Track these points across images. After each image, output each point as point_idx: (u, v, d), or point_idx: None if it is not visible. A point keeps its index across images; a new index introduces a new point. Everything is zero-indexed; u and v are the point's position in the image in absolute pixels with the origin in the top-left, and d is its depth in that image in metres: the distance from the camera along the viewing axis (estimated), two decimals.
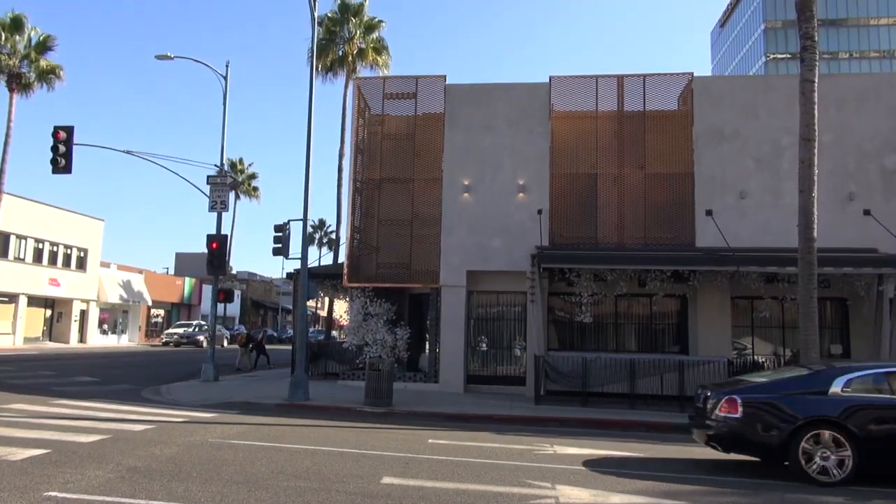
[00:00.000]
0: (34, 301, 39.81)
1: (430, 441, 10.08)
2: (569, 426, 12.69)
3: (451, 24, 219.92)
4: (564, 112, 18.00)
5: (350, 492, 6.53)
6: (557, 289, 17.57)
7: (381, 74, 30.62)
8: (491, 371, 18.13)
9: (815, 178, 12.80)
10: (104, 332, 46.25)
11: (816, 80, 12.91)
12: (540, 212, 17.23)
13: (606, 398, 15.43)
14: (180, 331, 46.32)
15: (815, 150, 12.81)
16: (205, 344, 42.16)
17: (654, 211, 17.27)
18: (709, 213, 16.74)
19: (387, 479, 7.14)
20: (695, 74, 17.51)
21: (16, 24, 34.54)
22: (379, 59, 32.66)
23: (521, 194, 17.75)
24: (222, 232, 20.17)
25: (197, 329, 46.23)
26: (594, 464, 8.64)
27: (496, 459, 8.69)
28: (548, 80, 17.88)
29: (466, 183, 18.02)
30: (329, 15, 32.53)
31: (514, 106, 18.16)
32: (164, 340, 45.93)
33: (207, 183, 19.88)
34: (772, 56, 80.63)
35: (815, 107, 12.78)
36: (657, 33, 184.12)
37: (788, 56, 76.61)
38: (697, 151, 17.22)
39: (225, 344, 44.29)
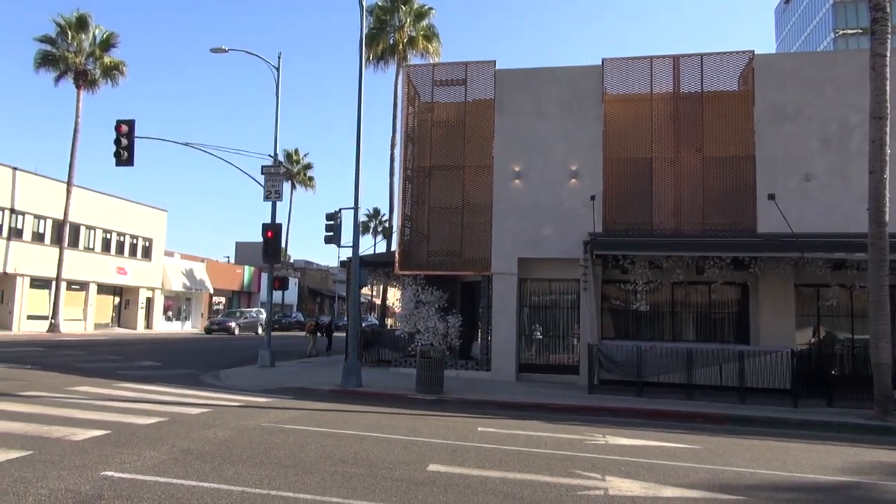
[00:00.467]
0: (103, 289, 41.56)
1: (479, 429, 10.02)
2: (622, 416, 12.42)
3: (501, 8, 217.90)
4: (618, 95, 17.56)
5: (396, 478, 6.52)
6: (611, 276, 17.22)
7: (431, 61, 30.58)
8: (544, 359, 17.94)
9: (887, 158, 12.14)
10: (169, 319, 47.99)
11: (888, 54, 12.22)
12: (593, 198, 16.89)
13: (662, 388, 15.05)
14: (220, 319, 46.84)
15: (887, 129, 12.15)
16: (237, 331, 42.81)
17: (712, 195, 16.69)
18: (771, 196, 16.04)
19: (433, 467, 7.11)
20: (756, 52, 16.78)
21: (81, 23, 35.93)
22: (429, 46, 32.65)
23: (573, 180, 17.43)
24: (278, 221, 20.54)
25: (229, 316, 46.77)
26: (646, 455, 8.42)
27: (545, 449, 8.56)
28: (600, 63, 17.46)
29: (517, 169, 17.80)
30: (379, 4, 32.70)
31: (566, 90, 17.80)
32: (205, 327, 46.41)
33: (262, 173, 20.24)
34: (841, 32, 76.81)
35: (888, 82, 12.11)
36: (717, 13, 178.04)
37: (859, 31, 72.79)
38: (759, 132, 16.52)
39: (259, 331, 44.02)
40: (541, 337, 18.03)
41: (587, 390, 15.14)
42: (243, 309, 51.04)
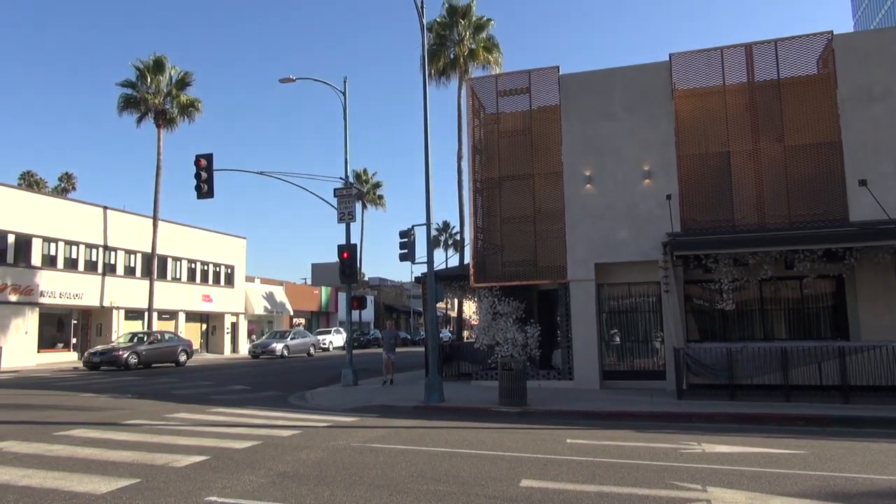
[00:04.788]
0: (191, 316, 43.44)
1: (568, 441, 9.83)
2: (716, 422, 11.92)
3: (560, 12, 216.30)
4: (688, 90, 17.03)
5: (489, 495, 6.46)
6: (693, 276, 16.64)
7: (493, 72, 30.58)
8: (627, 365, 17.48)
9: None
10: (253, 342, 49.49)
11: None
12: (669, 197, 16.38)
13: (756, 391, 14.37)
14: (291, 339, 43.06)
15: None
16: (285, 353, 38.86)
17: (797, 186, 15.90)
18: (862, 182, 15.11)
19: (526, 482, 7.00)
20: (835, 32, 15.96)
21: (158, 66, 37.87)
22: (490, 57, 32.70)
23: (646, 181, 16.98)
24: (352, 241, 20.92)
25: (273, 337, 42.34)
26: (748, 463, 8.03)
27: (639, 459, 8.30)
28: (668, 59, 16.99)
29: (588, 174, 17.50)
30: (438, 20, 33.00)
31: (633, 89, 17.41)
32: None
33: (334, 196, 20.68)
34: None
35: None
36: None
37: None
38: (844, 117, 15.65)
39: (312, 351, 42.20)
40: (619, 342, 17.61)
41: (675, 396, 14.63)
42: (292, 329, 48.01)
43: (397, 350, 20.67)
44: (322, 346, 48.28)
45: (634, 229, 16.86)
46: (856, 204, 15.25)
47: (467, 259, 21.38)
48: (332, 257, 21.10)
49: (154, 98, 37.36)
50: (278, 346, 38.76)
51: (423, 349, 21.64)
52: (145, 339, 30.88)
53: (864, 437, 10.10)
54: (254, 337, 49.80)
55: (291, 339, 40.51)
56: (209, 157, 20.15)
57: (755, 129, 16.40)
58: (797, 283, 16.11)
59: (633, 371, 17.29)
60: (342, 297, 54.16)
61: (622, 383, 16.93)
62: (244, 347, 47.49)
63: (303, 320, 58.16)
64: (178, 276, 42.25)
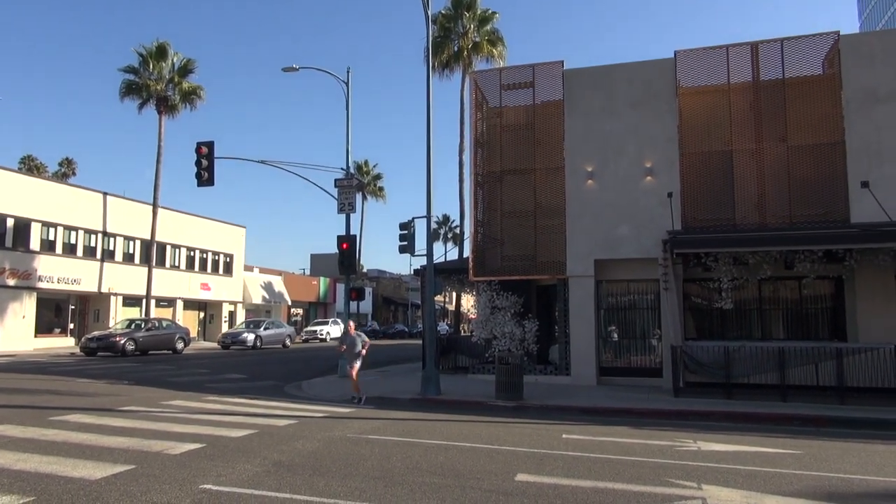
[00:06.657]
0: (189, 304, 43.41)
1: (563, 436, 9.83)
2: (712, 420, 11.95)
3: (564, 6, 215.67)
4: (692, 88, 16.97)
5: (485, 489, 6.45)
6: (693, 275, 16.63)
7: (497, 66, 30.46)
8: (624, 362, 17.49)
9: None
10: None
11: None
12: (670, 195, 16.34)
13: (753, 390, 14.39)
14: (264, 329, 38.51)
15: None
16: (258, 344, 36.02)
17: (799, 186, 15.86)
18: (864, 184, 15.08)
19: (521, 476, 7.00)
20: (842, 33, 15.89)
21: (161, 52, 37.67)
22: (494, 50, 32.57)
23: (648, 178, 16.95)
24: (351, 233, 20.88)
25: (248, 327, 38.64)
26: (743, 461, 8.03)
27: (635, 456, 8.29)
28: (672, 56, 16.93)
29: (590, 170, 17.46)
30: (443, 12, 32.86)
31: (637, 86, 17.35)
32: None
33: (335, 186, 20.63)
34: None
35: None
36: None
37: None
38: (848, 117, 15.60)
39: (288, 343, 39.27)
40: (616, 339, 17.62)
41: (672, 393, 14.64)
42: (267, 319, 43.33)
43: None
44: (319, 336, 48.45)
45: (635, 226, 16.83)
46: (857, 205, 15.22)
47: (467, 253, 21.34)
48: (332, 248, 21.09)
49: (156, 84, 37.19)
50: (249, 337, 36.13)
51: (420, 342, 21.58)
52: (143, 325, 30.37)
53: (860, 439, 10.12)
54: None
55: (265, 329, 37.77)
56: (210, 145, 20.11)
57: (758, 128, 16.35)
58: (796, 283, 16.11)
59: (630, 368, 17.31)
60: (340, 288, 54.14)
61: (619, 380, 16.95)
62: None
63: (301, 311, 58.17)
64: (176, 264, 42.20)
